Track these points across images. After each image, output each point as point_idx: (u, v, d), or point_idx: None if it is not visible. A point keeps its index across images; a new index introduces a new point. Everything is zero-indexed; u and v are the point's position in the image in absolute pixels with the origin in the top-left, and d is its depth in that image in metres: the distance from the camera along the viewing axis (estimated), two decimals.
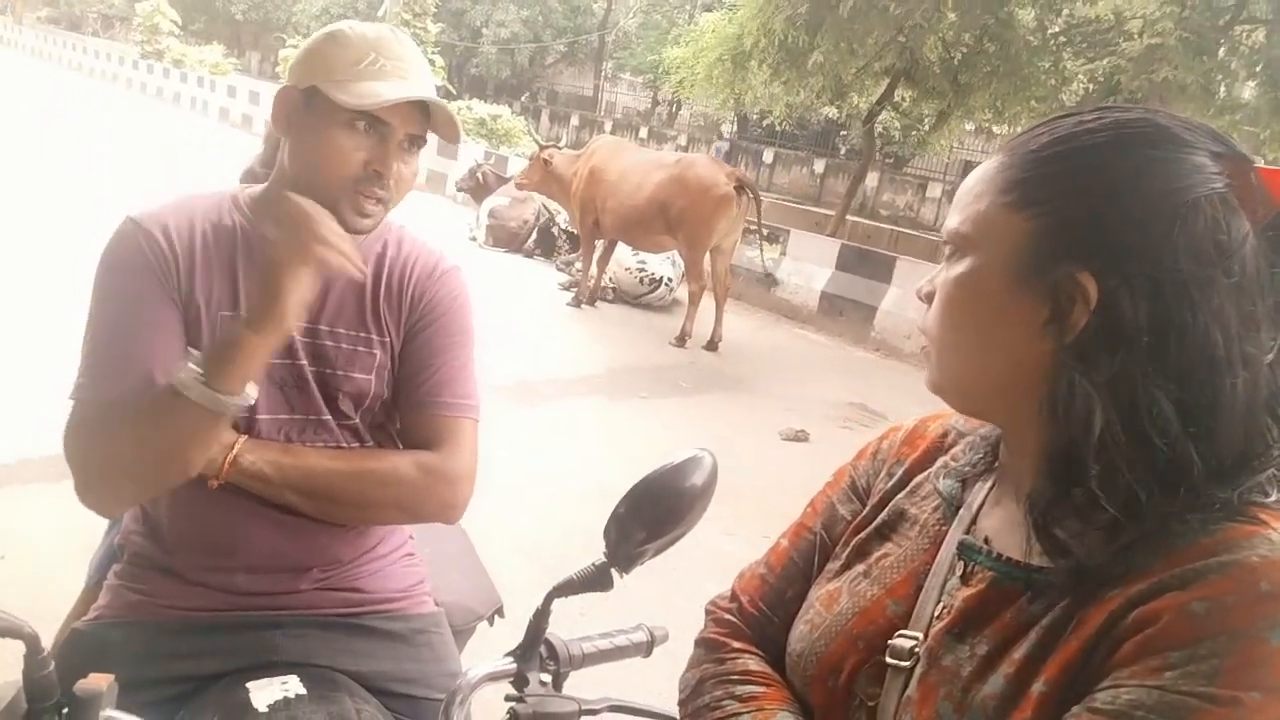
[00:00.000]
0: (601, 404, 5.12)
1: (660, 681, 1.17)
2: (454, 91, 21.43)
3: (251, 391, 1.01)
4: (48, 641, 0.80)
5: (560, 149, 7.82)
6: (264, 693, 1.04)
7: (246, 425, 1.13)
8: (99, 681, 0.78)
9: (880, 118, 12.85)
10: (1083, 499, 0.65)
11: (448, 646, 1.29)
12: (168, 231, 1.12)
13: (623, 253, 7.72)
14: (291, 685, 1.06)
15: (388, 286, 1.22)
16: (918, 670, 0.72)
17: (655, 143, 23.31)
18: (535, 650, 0.96)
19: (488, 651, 1.03)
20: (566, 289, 7.99)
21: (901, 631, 0.75)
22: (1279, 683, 0.56)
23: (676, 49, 13.69)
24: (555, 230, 9.42)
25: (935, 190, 19.42)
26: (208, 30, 33.11)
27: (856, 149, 20.14)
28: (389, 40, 1.15)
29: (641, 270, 7.94)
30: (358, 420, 1.21)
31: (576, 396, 5.17)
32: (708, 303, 6.88)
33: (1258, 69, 9.46)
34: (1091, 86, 10.84)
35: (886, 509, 0.85)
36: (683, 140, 24.09)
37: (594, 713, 0.96)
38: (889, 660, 0.74)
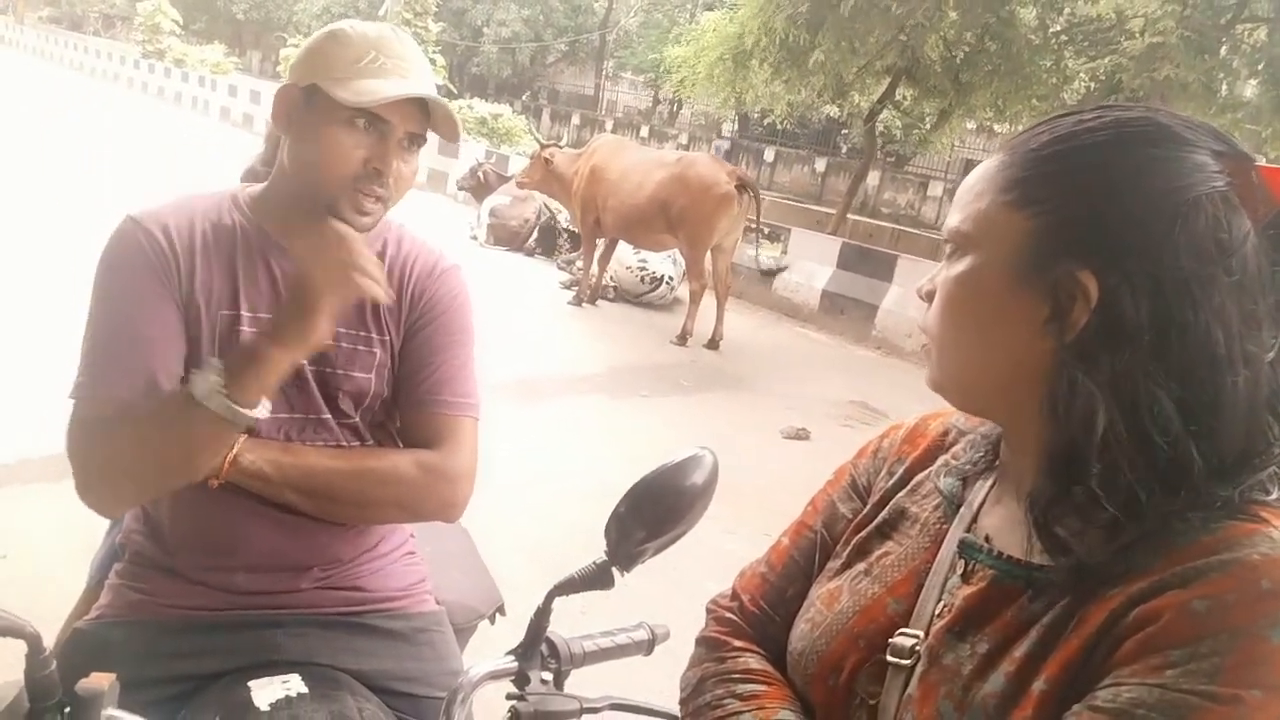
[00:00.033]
0: (603, 402, 5.12)
1: (661, 680, 1.17)
2: (455, 90, 21.44)
3: (266, 404, 1.02)
4: (49, 641, 0.80)
5: (561, 148, 7.83)
6: (266, 691, 1.04)
7: None
8: (101, 681, 0.78)
9: (881, 116, 12.84)
10: (1083, 497, 0.65)
11: (449, 645, 1.29)
12: (168, 230, 1.12)
13: (624, 251, 7.72)
14: (293, 684, 1.06)
15: (387, 285, 1.21)
16: (918, 669, 0.72)
17: (656, 141, 23.31)
18: (536, 648, 0.96)
19: (489, 650, 1.03)
20: (567, 288, 7.99)
21: (902, 630, 0.75)
22: None
23: (677, 48, 13.68)
24: (557, 229, 9.42)
25: (936, 189, 19.41)
26: (209, 30, 33.12)
27: (858, 147, 20.13)
28: (390, 39, 1.15)
29: (643, 269, 7.94)
30: (358, 419, 1.21)
31: (578, 395, 5.17)
32: (709, 301, 6.88)
33: (1259, 67, 9.45)
34: (1093, 85, 10.84)
35: (887, 507, 0.85)
36: (684, 139, 24.08)
37: (595, 711, 0.96)
38: (890, 659, 0.74)
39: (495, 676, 0.96)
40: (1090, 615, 0.63)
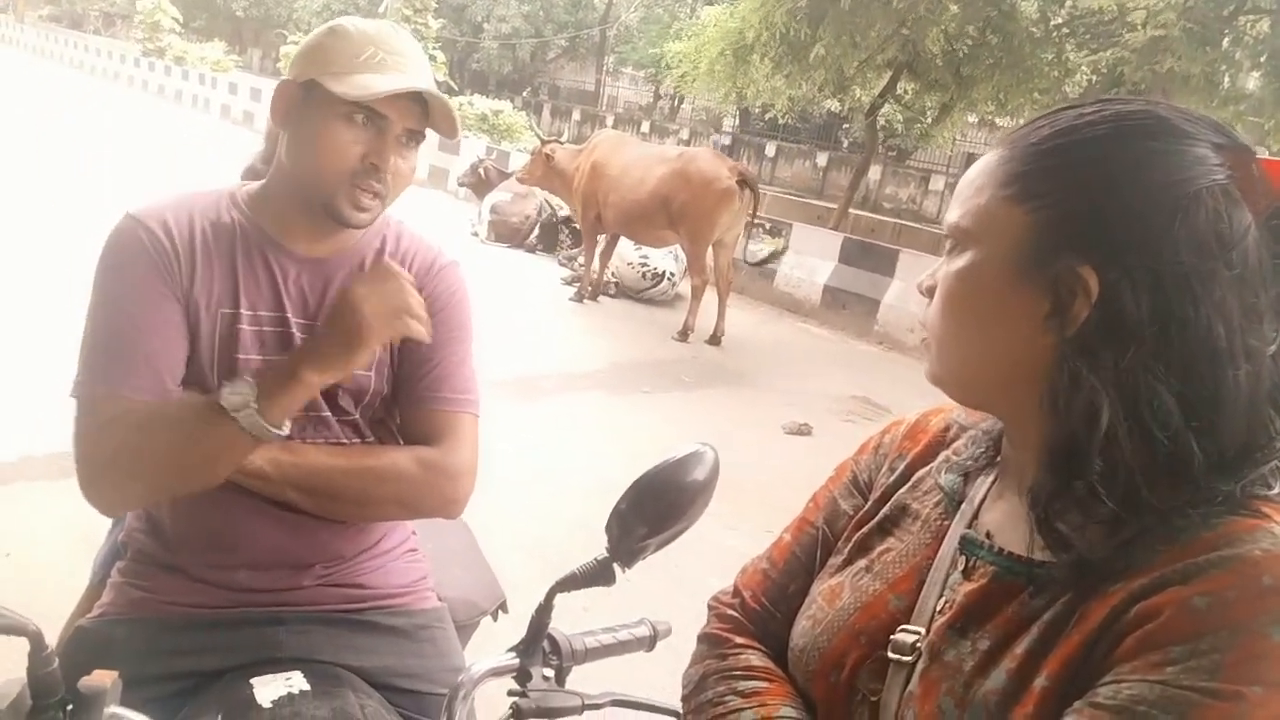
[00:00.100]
0: (604, 399, 5.12)
1: (663, 676, 1.17)
2: (455, 87, 21.43)
3: (288, 422, 1.04)
4: (52, 639, 0.80)
5: (562, 144, 7.81)
6: (268, 689, 1.05)
7: None
8: (103, 678, 0.78)
9: (883, 110, 12.80)
10: (1084, 492, 0.65)
11: (451, 642, 1.29)
12: (168, 227, 1.12)
13: (625, 247, 7.72)
14: (295, 681, 1.07)
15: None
16: (919, 665, 0.72)
17: (657, 137, 23.27)
18: (538, 645, 0.96)
19: (491, 647, 1.03)
20: (569, 284, 7.99)
21: (903, 626, 0.75)
22: None
23: (678, 43, 13.66)
24: (557, 224, 9.41)
25: (938, 183, 19.36)
26: (209, 27, 33.09)
27: (859, 142, 20.09)
28: (389, 35, 1.15)
29: (644, 265, 7.93)
30: (358, 416, 1.21)
31: (579, 391, 5.17)
32: (710, 297, 6.87)
33: (1262, 59, 9.42)
34: (1095, 78, 10.80)
35: (888, 504, 0.85)
36: (685, 134, 24.04)
37: (597, 707, 0.96)
38: (891, 655, 0.74)
39: (497, 673, 0.96)
40: (1091, 611, 0.63)
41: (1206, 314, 0.62)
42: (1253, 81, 10.26)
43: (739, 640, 0.87)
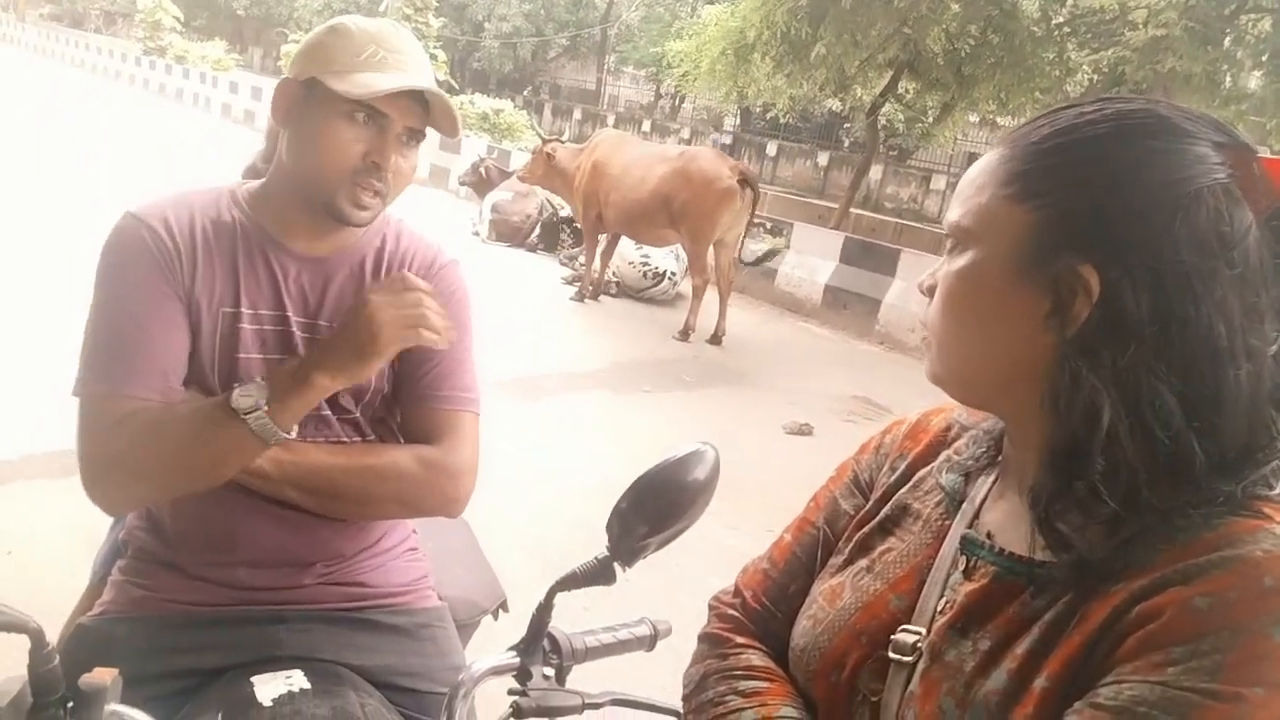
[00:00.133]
0: (605, 398, 5.12)
1: (663, 676, 1.17)
2: (456, 86, 21.42)
3: (295, 426, 1.05)
4: (53, 637, 0.80)
5: (563, 143, 7.81)
6: (268, 687, 1.05)
7: None
8: (103, 676, 0.78)
9: (884, 110, 12.81)
10: (1085, 492, 0.65)
11: (451, 641, 1.30)
12: (169, 225, 1.12)
13: (626, 247, 7.71)
14: (296, 680, 1.07)
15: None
16: (920, 665, 0.72)
17: (658, 136, 23.26)
18: (538, 644, 0.96)
19: (491, 646, 1.03)
20: (570, 283, 7.99)
21: (904, 626, 0.75)
22: None
23: (679, 42, 13.65)
24: (558, 224, 9.41)
25: (939, 182, 19.35)
26: (210, 26, 33.10)
27: (860, 141, 20.08)
28: (389, 34, 1.15)
29: (645, 264, 7.93)
30: (358, 414, 1.21)
31: (580, 391, 5.17)
32: (711, 296, 6.87)
33: (1264, 59, 9.41)
34: (1096, 77, 10.79)
35: (889, 504, 0.85)
36: (686, 133, 24.04)
37: (597, 707, 0.96)
38: (891, 655, 0.74)
39: (497, 672, 0.96)
40: (1092, 612, 0.63)
41: (1207, 313, 0.62)
42: (1254, 81, 10.25)
43: (740, 640, 0.87)
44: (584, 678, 0.98)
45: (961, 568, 0.75)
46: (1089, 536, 0.65)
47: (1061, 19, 10.94)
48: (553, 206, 9.36)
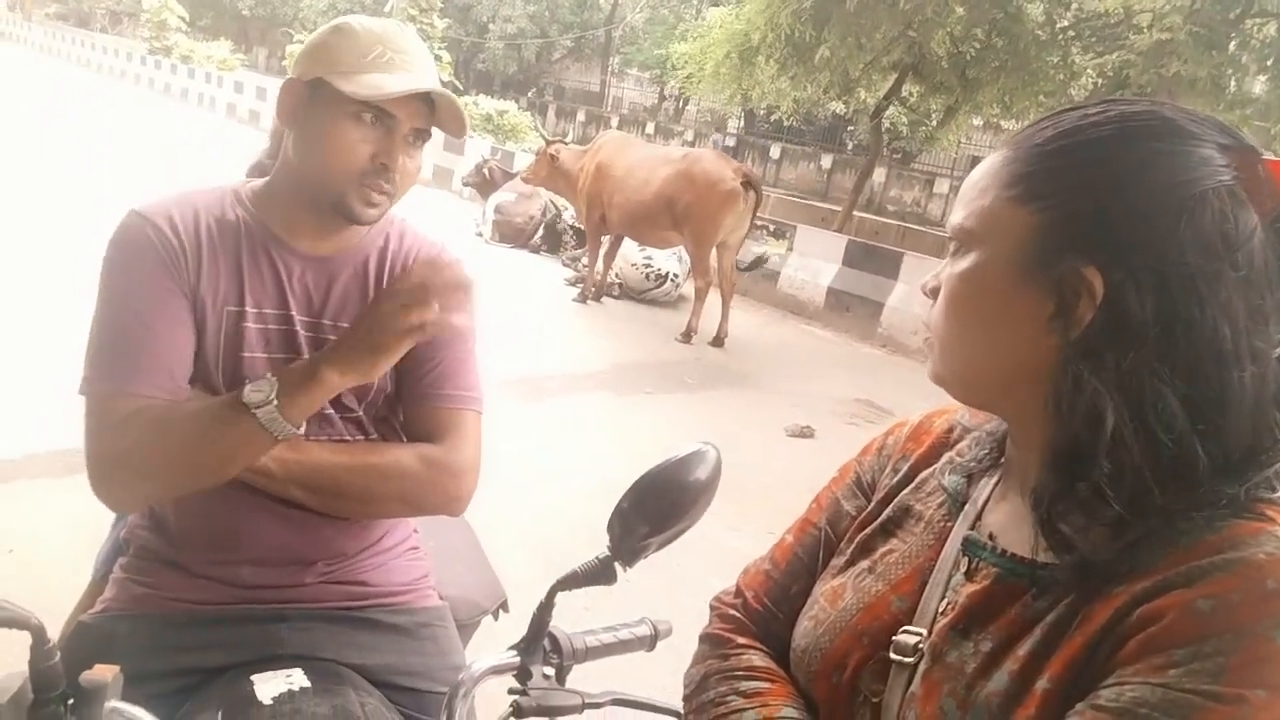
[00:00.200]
0: (607, 400, 5.12)
1: (664, 676, 1.17)
2: (460, 87, 21.45)
3: (304, 422, 1.04)
4: (54, 635, 0.80)
5: (567, 144, 7.82)
6: (268, 686, 1.05)
7: None
8: (104, 673, 0.78)
9: (888, 113, 12.82)
10: (1087, 494, 0.65)
11: (452, 640, 1.29)
12: (174, 224, 1.12)
13: (629, 248, 7.72)
14: (296, 678, 1.07)
15: (390, 280, 1.22)
16: (922, 666, 0.72)
17: (662, 138, 23.28)
18: (539, 644, 0.96)
19: (492, 646, 1.03)
20: (572, 285, 7.99)
21: (906, 627, 0.75)
22: None
23: (683, 44, 13.68)
24: (561, 226, 9.42)
25: (943, 186, 19.35)
26: (215, 26, 33.19)
27: (864, 144, 20.08)
28: (395, 34, 1.15)
29: (647, 266, 7.93)
30: (361, 413, 1.21)
31: (582, 392, 5.17)
32: (714, 298, 6.87)
33: (1268, 63, 9.40)
34: (1100, 81, 10.80)
35: (891, 505, 0.85)
36: (689, 136, 24.05)
37: (598, 706, 0.96)
38: (893, 656, 0.74)
39: (498, 671, 0.96)
40: (1094, 614, 0.63)
41: (1212, 315, 0.62)
42: (1259, 85, 10.24)
43: (741, 640, 0.87)
44: (584, 677, 0.98)
45: (963, 569, 0.74)
46: (1091, 538, 0.65)
47: (1066, 23, 10.95)
48: (556, 208, 9.37)
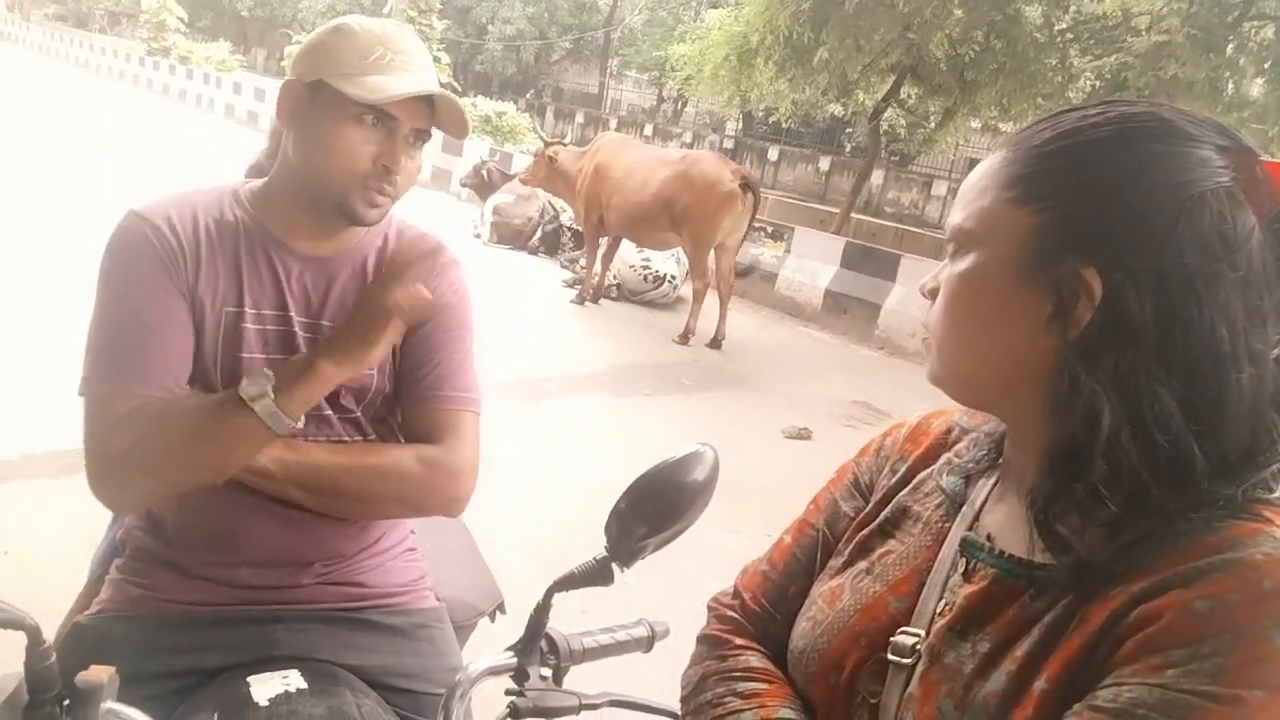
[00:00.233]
0: (605, 401, 5.12)
1: (661, 677, 1.17)
2: (459, 88, 21.46)
3: (302, 416, 1.04)
4: (50, 636, 0.80)
5: (565, 146, 7.83)
6: (265, 687, 1.04)
7: None
8: (100, 674, 0.78)
9: (886, 115, 12.83)
10: (1084, 494, 0.65)
11: (449, 641, 1.29)
12: (172, 224, 1.12)
13: (627, 250, 7.72)
14: (292, 680, 1.06)
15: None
16: (919, 667, 0.72)
17: (660, 140, 23.30)
18: (536, 645, 0.96)
19: (489, 648, 1.03)
20: (571, 286, 7.99)
21: (904, 628, 0.75)
22: None
23: (682, 46, 13.69)
24: (559, 227, 9.42)
25: (941, 188, 19.38)
26: (214, 27, 33.19)
27: (862, 146, 20.11)
28: (395, 35, 1.15)
29: (646, 267, 7.93)
30: (359, 414, 1.21)
31: (580, 394, 5.17)
32: (712, 300, 6.87)
33: (1266, 66, 9.43)
34: (1098, 83, 10.82)
35: (889, 506, 0.85)
36: (688, 137, 24.07)
37: (594, 708, 0.96)
38: (891, 657, 0.74)
39: (494, 672, 0.96)
40: (1092, 614, 0.63)
41: (1210, 316, 0.62)
42: (1256, 88, 10.26)
43: (739, 642, 0.87)
44: (581, 679, 0.98)
45: (961, 570, 0.74)
46: (1089, 539, 0.65)
47: (1064, 25, 10.97)
48: (554, 210, 9.37)
